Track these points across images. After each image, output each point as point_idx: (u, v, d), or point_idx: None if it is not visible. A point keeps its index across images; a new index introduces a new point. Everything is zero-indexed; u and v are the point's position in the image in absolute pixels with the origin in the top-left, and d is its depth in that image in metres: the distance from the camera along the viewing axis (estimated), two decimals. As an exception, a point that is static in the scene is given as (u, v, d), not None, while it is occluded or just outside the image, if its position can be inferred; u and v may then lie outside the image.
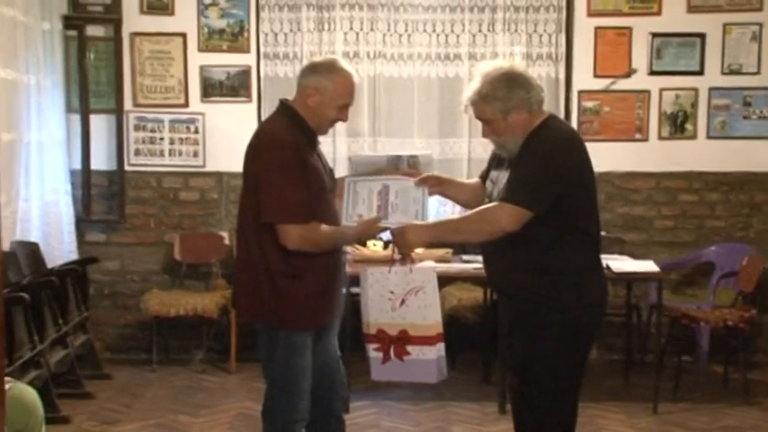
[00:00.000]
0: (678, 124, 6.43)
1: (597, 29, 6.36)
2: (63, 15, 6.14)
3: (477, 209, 3.31)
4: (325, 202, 3.47)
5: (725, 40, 6.35)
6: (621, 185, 6.46)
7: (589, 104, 6.41)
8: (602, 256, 3.44)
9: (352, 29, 6.35)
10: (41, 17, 5.75)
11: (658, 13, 6.34)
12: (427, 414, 5.25)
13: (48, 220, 5.80)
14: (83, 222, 6.31)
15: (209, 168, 6.42)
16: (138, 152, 6.39)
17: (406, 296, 3.44)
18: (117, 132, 6.33)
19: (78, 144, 6.29)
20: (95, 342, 6.03)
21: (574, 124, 6.16)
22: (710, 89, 6.39)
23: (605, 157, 6.02)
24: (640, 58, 6.37)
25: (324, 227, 3.41)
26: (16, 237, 5.29)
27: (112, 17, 6.26)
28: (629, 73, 6.38)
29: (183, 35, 6.31)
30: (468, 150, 6.39)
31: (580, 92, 6.40)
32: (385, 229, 3.48)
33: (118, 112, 6.32)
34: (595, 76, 6.39)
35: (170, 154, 6.40)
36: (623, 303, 6.03)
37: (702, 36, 6.35)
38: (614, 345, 6.28)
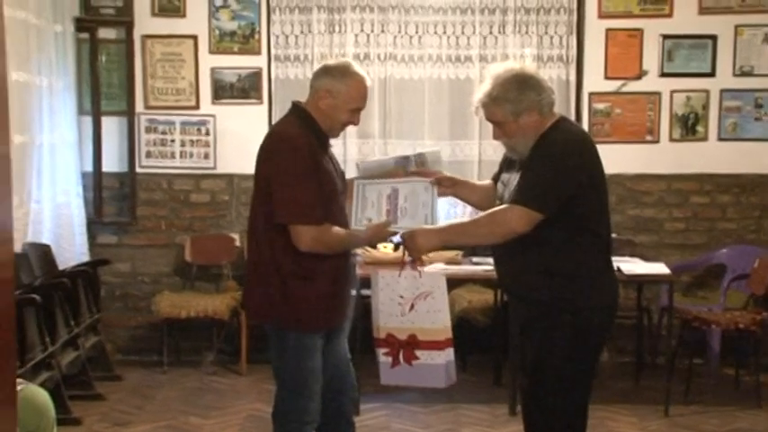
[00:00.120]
0: (689, 126, 6.41)
1: (608, 31, 6.35)
2: (75, 18, 6.16)
3: (487, 211, 3.31)
4: (337, 205, 3.46)
5: (736, 41, 6.33)
6: (632, 187, 6.44)
7: (600, 106, 6.40)
8: (613, 258, 3.43)
9: (362, 31, 6.35)
10: (54, 20, 5.77)
11: (669, 14, 6.32)
12: (437, 416, 5.24)
13: (59, 222, 5.81)
14: (94, 224, 6.32)
15: (220, 170, 6.43)
16: (149, 154, 6.40)
17: (415, 301, 3.45)
18: (128, 134, 6.35)
19: (90, 146, 6.32)
20: (106, 344, 6.05)
21: (585, 126, 6.15)
22: (722, 91, 6.37)
23: (616, 158, 6.00)
24: (651, 59, 6.35)
25: (336, 229, 3.41)
26: (28, 238, 5.30)
27: (124, 19, 6.28)
28: (640, 75, 6.37)
29: (195, 37, 6.33)
30: (478, 152, 6.38)
31: (591, 94, 6.39)
32: (395, 233, 3.47)
33: (129, 114, 6.34)
34: (606, 77, 6.38)
35: (181, 156, 6.41)
36: (634, 305, 6.02)
37: (714, 38, 6.33)
38: (625, 347, 6.26)
